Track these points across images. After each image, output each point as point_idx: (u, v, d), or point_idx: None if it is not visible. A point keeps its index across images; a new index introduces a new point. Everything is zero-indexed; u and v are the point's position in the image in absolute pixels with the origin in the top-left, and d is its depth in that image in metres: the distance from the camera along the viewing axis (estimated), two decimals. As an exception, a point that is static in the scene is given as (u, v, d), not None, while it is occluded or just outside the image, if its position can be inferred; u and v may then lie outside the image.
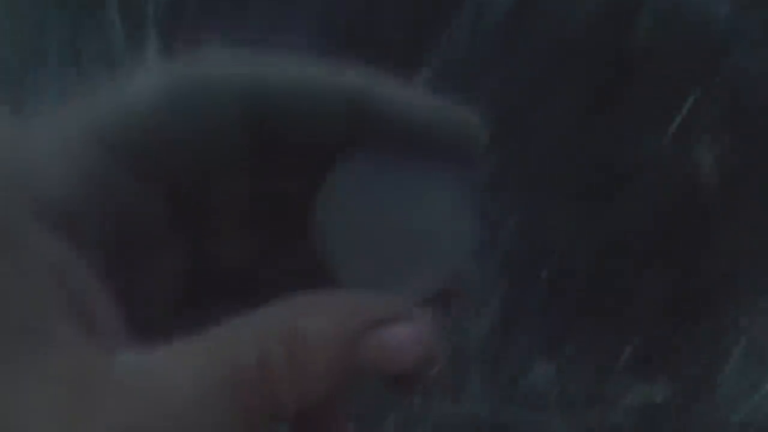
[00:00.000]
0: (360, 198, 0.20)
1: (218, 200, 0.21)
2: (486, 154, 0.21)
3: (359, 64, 0.21)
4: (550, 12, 0.81)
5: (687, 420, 0.74)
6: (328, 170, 0.21)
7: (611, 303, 0.72)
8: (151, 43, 0.76)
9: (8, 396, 0.16)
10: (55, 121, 0.19)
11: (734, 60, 0.77)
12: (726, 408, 0.73)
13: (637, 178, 0.76)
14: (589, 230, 0.75)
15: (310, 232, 0.20)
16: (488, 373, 0.75)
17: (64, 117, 0.19)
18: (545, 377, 0.75)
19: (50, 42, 0.78)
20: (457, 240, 0.20)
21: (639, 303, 0.73)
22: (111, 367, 0.17)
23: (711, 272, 0.75)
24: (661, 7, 0.81)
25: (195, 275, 0.22)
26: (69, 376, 0.16)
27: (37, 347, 0.16)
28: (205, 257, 0.21)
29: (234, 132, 0.20)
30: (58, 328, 0.17)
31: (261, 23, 0.76)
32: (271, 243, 0.22)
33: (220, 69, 0.20)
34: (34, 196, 0.18)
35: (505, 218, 0.77)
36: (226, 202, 0.21)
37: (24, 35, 0.78)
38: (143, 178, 0.19)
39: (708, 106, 0.76)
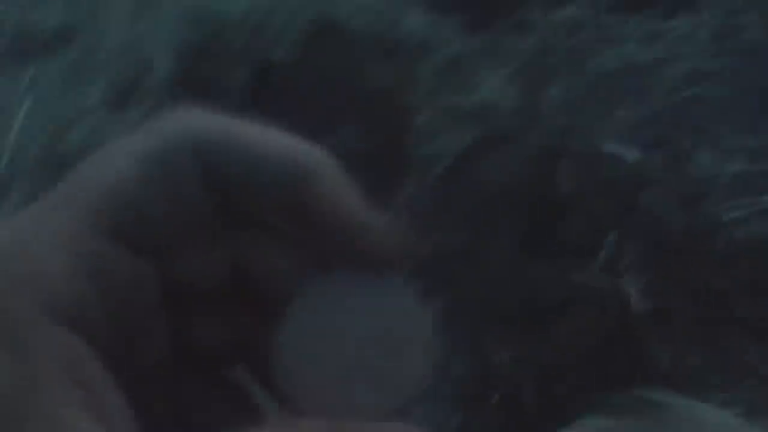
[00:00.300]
0: (321, 322, 0.20)
1: (197, 277, 0.21)
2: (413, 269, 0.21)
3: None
4: (485, 164, 0.93)
5: None
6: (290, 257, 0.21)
7: (554, 428, 0.77)
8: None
9: None
10: (47, 209, 0.19)
11: (646, 197, 0.88)
12: None
13: (570, 309, 0.83)
14: (532, 358, 0.82)
15: (272, 359, 0.20)
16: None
17: (54, 204, 0.19)
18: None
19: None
20: (421, 352, 0.20)
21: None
22: None
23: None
24: (580, 154, 0.93)
25: (177, 352, 0.21)
26: None
27: None
28: (187, 335, 0.21)
29: (203, 206, 0.20)
30: (70, 418, 0.17)
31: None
32: (248, 324, 0.22)
33: (182, 136, 0.20)
34: (40, 292, 0.18)
35: (456, 350, 0.84)
36: (204, 279, 0.21)
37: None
38: (136, 258, 0.19)
39: (629, 240, 0.85)
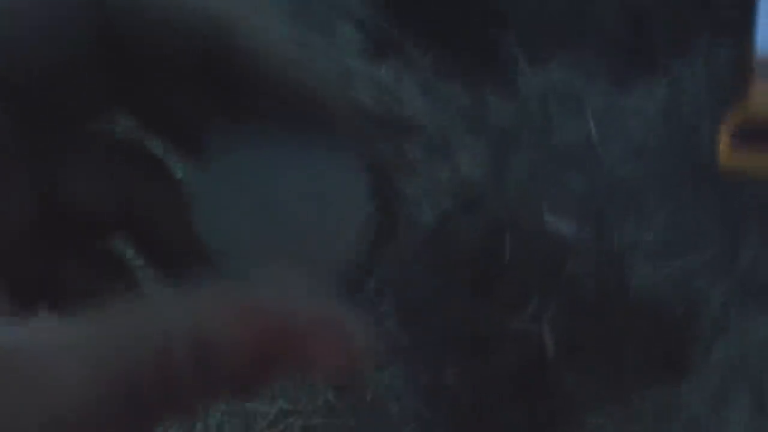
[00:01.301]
0: (238, 171, 0.18)
1: (72, 122, 0.18)
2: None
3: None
4: (452, 229, 1.20)
5: None
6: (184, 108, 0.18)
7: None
8: None
9: None
10: None
11: (571, 263, 1.13)
12: None
13: (504, 345, 1.11)
14: (472, 376, 1.11)
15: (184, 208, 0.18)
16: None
17: None
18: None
19: None
20: (351, 210, 0.18)
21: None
22: None
23: (558, 419, 1.08)
24: (525, 225, 1.18)
25: (46, 217, 0.18)
26: None
27: None
28: (57, 196, 0.18)
29: (84, 47, 0.16)
30: None
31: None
32: (127, 185, 0.19)
33: None
34: None
35: (413, 369, 1.14)
36: (81, 126, 0.18)
37: None
38: None
39: (552, 297, 1.12)
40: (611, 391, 1.08)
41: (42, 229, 0.18)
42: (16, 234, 0.17)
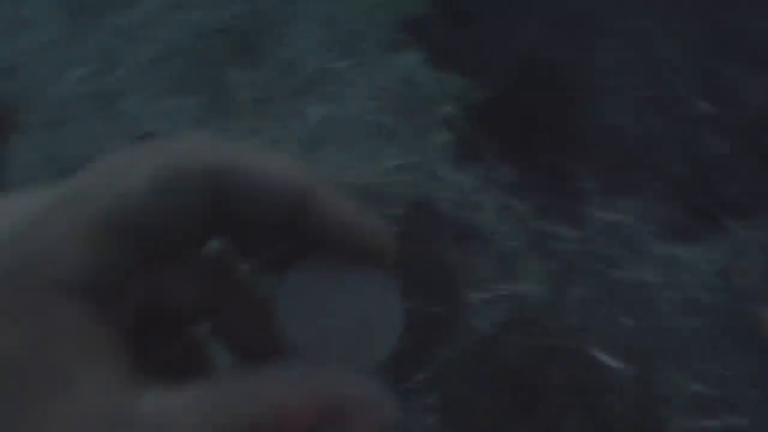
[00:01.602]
0: (312, 291, 0.25)
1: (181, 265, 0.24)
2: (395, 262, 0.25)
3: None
4: (505, 342, 1.28)
5: None
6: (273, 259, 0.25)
7: None
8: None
9: None
10: (59, 200, 0.22)
11: (610, 397, 1.20)
12: None
13: None
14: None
15: (270, 316, 0.24)
16: None
17: (66, 197, 0.22)
18: None
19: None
20: (391, 320, 0.25)
21: None
22: (140, 403, 0.20)
23: None
24: (575, 352, 1.26)
25: (147, 311, 0.24)
26: (101, 412, 0.19)
27: (66, 390, 0.19)
28: (157, 294, 0.24)
29: (201, 214, 0.23)
30: (85, 373, 0.19)
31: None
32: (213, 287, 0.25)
33: (193, 161, 0.22)
34: (53, 268, 0.20)
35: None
36: (185, 266, 0.24)
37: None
38: (136, 253, 0.22)
39: (589, 425, 1.18)
40: None
41: (148, 322, 0.24)
42: (132, 324, 0.23)
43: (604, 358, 1.25)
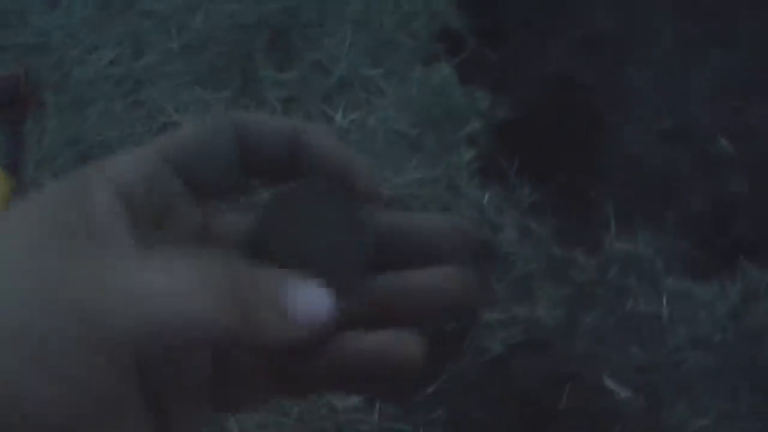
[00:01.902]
0: (291, 211, 0.28)
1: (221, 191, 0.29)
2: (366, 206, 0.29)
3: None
4: (516, 364, 1.30)
5: None
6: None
7: None
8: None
9: None
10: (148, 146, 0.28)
11: (618, 427, 1.21)
12: None
13: None
14: None
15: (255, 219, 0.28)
16: None
17: (154, 144, 0.28)
18: None
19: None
20: (361, 241, 0.28)
21: None
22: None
23: None
24: (585, 379, 1.27)
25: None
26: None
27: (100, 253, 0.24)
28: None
29: (232, 154, 0.29)
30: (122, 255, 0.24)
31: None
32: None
33: (221, 117, 0.29)
34: (113, 181, 0.25)
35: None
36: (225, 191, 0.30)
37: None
38: (185, 182, 0.28)
39: None
40: None
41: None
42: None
43: (614, 386, 1.26)
